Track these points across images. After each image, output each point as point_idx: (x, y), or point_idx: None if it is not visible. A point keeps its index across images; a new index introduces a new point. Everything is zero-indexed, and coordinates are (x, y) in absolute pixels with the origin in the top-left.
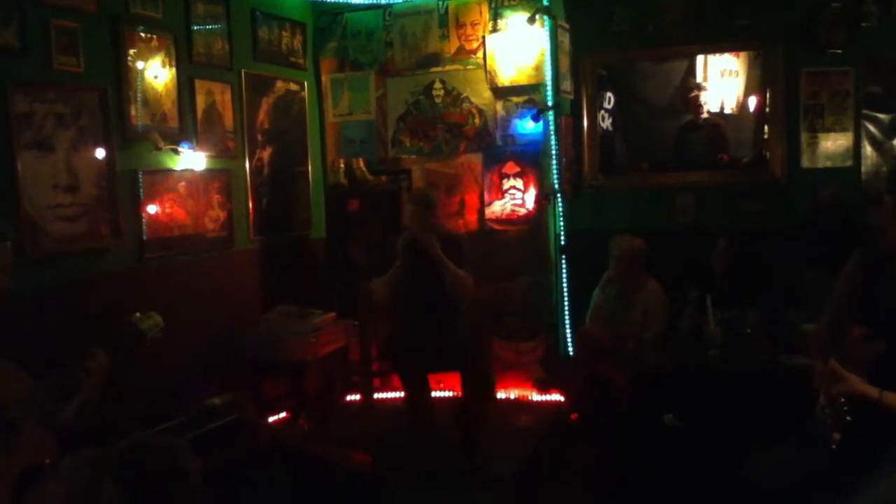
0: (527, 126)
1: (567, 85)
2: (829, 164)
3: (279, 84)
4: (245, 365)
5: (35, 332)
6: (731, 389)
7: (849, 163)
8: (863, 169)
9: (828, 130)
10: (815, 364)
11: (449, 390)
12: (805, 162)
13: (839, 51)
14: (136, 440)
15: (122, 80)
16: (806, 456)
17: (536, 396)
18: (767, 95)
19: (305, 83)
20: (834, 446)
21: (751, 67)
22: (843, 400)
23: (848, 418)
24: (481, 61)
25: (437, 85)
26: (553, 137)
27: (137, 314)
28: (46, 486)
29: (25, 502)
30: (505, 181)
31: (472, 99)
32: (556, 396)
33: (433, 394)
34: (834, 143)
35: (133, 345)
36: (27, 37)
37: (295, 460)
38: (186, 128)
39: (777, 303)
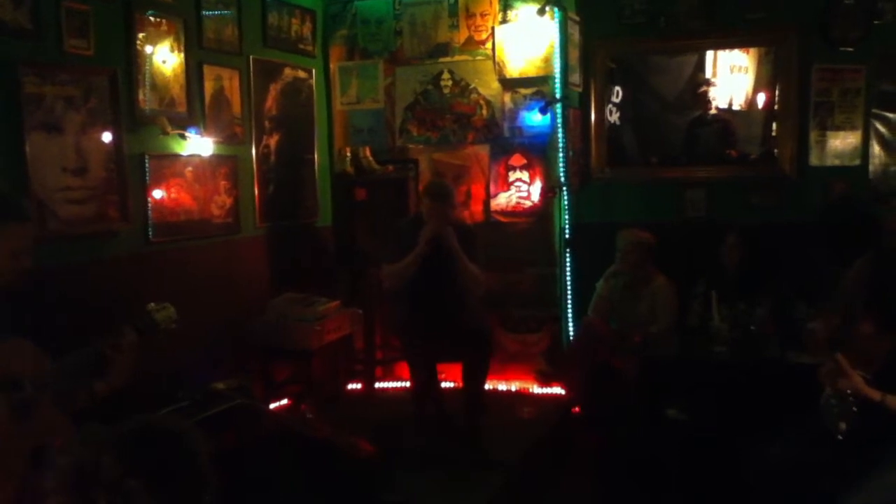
0: (534, 118)
1: (576, 77)
2: (837, 162)
3: (287, 71)
4: (251, 350)
5: (43, 313)
6: (736, 384)
7: (857, 161)
8: (871, 168)
9: (837, 128)
10: (821, 361)
11: (451, 381)
12: (813, 160)
13: (851, 48)
14: (142, 420)
15: (131, 63)
16: (810, 447)
17: (538, 389)
18: (777, 92)
19: (314, 70)
20: (840, 437)
21: (760, 64)
22: (849, 391)
23: (854, 409)
24: (490, 52)
25: (446, 75)
26: (561, 130)
27: (152, 304)
28: (55, 462)
29: (36, 478)
30: (511, 173)
31: (481, 90)
32: (558, 390)
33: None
34: (843, 142)
35: (146, 333)
36: (39, 18)
37: (299, 445)
38: (194, 113)
39: (786, 297)
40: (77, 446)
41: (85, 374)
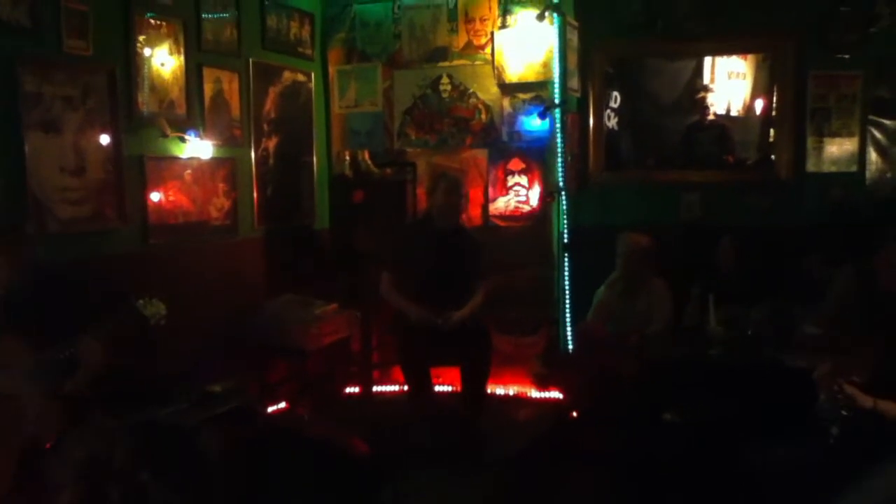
0: (533, 123)
1: (574, 82)
2: (834, 168)
3: (286, 74)
4: (248, 351)
5: (39, 311)
6: (732, 386)
7: (854, 168)
8: (867, 175)
9: (834, 135)
10: (815, 365)
11: (448, 384)
12: (810, 166)
13: (847, 55)
14: (151, 416)
15: (130, 65)
16: (804, 450)
17: (535, 393)
18: (774, 98)
19: (312, 73)
20: (832, 440)
21: (758, 70)
22: (840, 396)
23: (844, 413)
24: (489, 57)
25: (445, 79)
26: (559, 134)
27: (141, 300)
28: (68, 455)
29: (50, 471)
30: (510, 177)
31: (479, 94)
32: (556, 394)
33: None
34: (840, 148)
35: (135, 329)
36: (38, 17)
37: (294, 445)
38: (193, 115)
39: (783, 301)
40: (89, 439)
41: (51, 377)
